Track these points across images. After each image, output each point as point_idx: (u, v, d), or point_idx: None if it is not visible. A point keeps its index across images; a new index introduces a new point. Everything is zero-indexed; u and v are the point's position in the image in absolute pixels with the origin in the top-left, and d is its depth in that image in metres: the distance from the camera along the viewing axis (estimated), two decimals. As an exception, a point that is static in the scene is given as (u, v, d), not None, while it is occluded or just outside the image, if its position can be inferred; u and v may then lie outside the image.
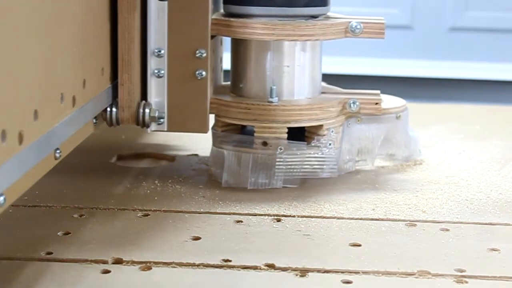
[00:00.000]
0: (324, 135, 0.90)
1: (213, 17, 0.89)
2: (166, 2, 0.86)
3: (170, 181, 0.92)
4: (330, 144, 0.91)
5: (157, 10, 0.86)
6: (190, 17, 0.86)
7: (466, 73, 2.08)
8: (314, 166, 0.90)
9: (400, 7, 2.07)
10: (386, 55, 2.09)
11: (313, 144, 0.90)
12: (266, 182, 0.89)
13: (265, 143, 0.89)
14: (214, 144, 0.92)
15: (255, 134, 0.89)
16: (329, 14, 0.93)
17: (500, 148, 1.08)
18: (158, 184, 0.91)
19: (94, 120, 0.82)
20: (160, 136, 1.08)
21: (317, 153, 0.90)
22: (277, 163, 0.89)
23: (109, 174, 0.95)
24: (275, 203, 0.86)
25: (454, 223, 0.82)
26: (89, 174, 0.94)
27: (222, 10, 0.93)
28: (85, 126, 0.77)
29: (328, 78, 1.99)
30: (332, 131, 0.91)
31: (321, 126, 0.90)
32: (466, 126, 1.19)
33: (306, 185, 0.92)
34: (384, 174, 0.97)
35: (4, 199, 0.57)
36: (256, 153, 0.89)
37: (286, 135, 0.89)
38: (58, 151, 0.69)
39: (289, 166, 0.89)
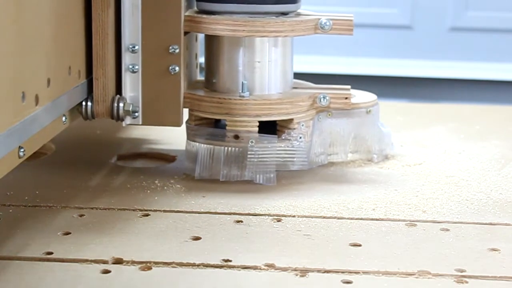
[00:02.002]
0: (294, 128, 0.92)
1: (186, 14, 0.91)
2: None
3: (170, 181, 0.92)
4: (300, 138, 0.92)
5: (131, 7, 0.88)
6: (163, 14, 0.88)
7: (466, 73, 2.07)
8: (285, 159, 0.92)
9: (400, 7, 2.07)
10: (386, 55, 2.09)
11: (283, 138, 0.92)
12: (238, 174, 0.91)
13: (236, 136, 0.91)
14: (188, 137, 0.94)
15: (227, 128, 0.91)
16: (300, 11, 0.95)
17: (500, 148, 1.08)
18: (158, 184, 0.91)
19: (64, 119, 0.82)
20: (160, 136, 1.08)
21: (288, 146, 0.92)
22: (248, 156, 0.90)
23: (109, 174, 0.95)
24: (275, 203, 0.86)
25: (454, 223, 0.82)
26: (89, 174, 0.94)
27: (195, 8, 0.95)
28: (52, 124, 0.77)
29: (329, 78, 1.99)
30: (303, 125, 0.93)
31: (291, 120, 0.92)
32: (466, 126, 1.19)
33: (306, 184, 0.92)
34: (384, 174, 0.97)
35: None
36: (228, 146, 0.90)
37: (257, 129, 0.91)
38: (22, 150, 0.69)
39: (260, 159, 0.90)
